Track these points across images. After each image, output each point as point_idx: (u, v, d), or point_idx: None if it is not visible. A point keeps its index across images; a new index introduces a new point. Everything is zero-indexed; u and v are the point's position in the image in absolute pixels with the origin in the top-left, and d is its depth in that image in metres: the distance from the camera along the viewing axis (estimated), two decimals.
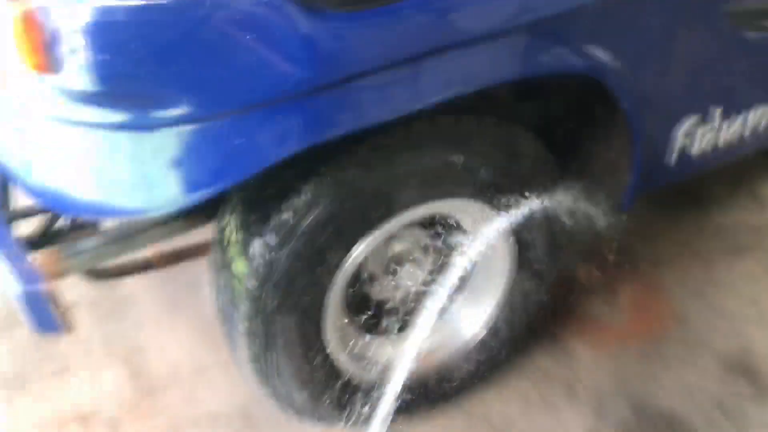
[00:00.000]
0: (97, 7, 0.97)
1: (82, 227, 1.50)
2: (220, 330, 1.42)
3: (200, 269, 1.96)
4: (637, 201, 1.66)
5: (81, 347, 1.85)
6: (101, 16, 0.97)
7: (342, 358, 1.45)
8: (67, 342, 1.86)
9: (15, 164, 1.26)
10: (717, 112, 1.66)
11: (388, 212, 1.30)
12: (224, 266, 1.32)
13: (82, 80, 1.01)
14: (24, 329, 1.87)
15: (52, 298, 1.11)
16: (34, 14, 1.00)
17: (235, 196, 1.32)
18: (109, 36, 0.99)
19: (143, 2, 0.97)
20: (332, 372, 1.44)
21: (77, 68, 1.00)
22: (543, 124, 1.55)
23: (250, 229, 1.26)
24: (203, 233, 1.51)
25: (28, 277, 1.13)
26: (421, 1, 1.10)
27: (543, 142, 1.45)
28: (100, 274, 1.61)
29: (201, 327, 1.89)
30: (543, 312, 1.67)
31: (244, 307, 1.28)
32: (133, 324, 1.92)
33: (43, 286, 1.10)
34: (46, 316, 1.12)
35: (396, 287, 1.50)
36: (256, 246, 1.24)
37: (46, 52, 1.02)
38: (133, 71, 1.00)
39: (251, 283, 1.25)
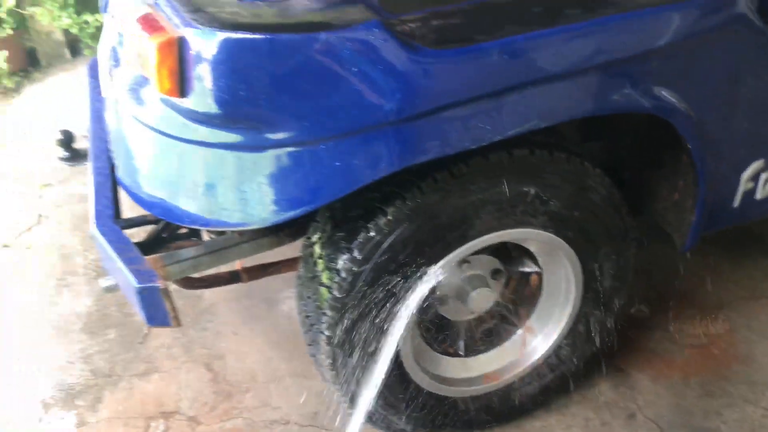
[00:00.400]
0: (226, 38, 1.10)
1: (182, 237, 1.64)
2: (295, 341, 1.50)
3: (274, 287, 2.10)
4: (701, 242, 1.67)
5: (166, 351, 2.00)
6: (230, 46, 1.11)
7: (416, 371, 1.52)
8: (154, 346, 2.02)
9: (129, 177, 1.41)
10: None
11: (462, 236, 1.38)
12: (311, 278, 1.42)
13: (207, 104, 1.15)
14: (115, 331, 2.07)
15: (165, 295, 1.24)
16: (172, 44, 1.14)
17: (323, 214, 1.43)
18: (234, 65, 1.12)
19: (266, 36, 1.10)
20: (406, 382, 1.51)
21: (204, 93, 1.14)
22: (610, 162, 1.61)
23: (337, 244, 1.36)
24: (283, 251, 1.63)
25: (144, 275, 1.25)
26: (503, 42, 1.20)
27: (610, 180, 1.50)
28: (191, 283, 1.72)
29: (277, 339, 2.00)
30: (607, 343, 1.70)
31: (327, 317, 1.38)
32: (214, 333, 2.05)
33: (158, 283, 1.23)
34: (159, 310, 1.24)
35: (466, 310, 1.56)
36: (342, 260, 1.33)
37: (177, 78, 1.17)
38: (252, 97, 1.13)
39: (336, 295, 1.35)
